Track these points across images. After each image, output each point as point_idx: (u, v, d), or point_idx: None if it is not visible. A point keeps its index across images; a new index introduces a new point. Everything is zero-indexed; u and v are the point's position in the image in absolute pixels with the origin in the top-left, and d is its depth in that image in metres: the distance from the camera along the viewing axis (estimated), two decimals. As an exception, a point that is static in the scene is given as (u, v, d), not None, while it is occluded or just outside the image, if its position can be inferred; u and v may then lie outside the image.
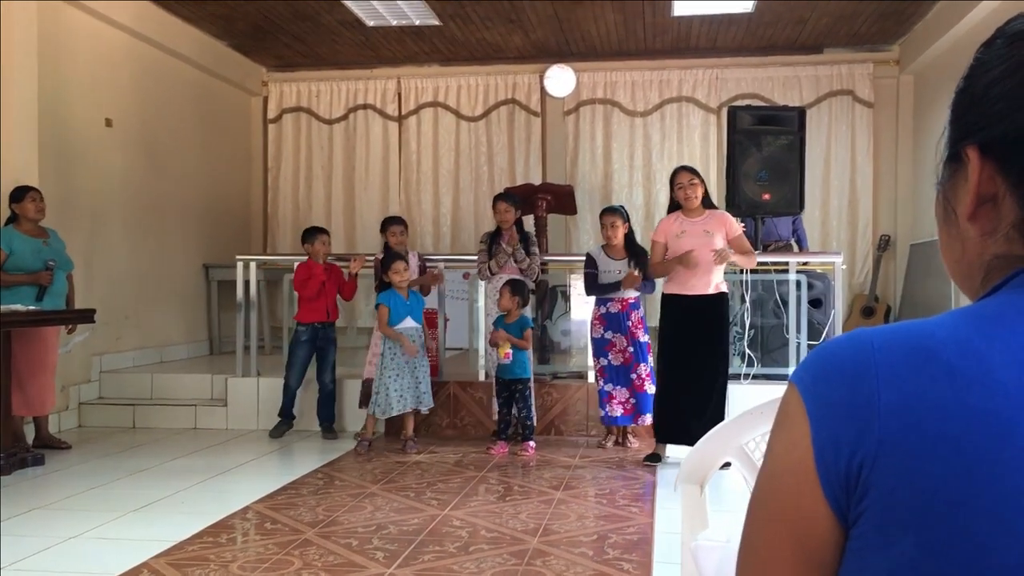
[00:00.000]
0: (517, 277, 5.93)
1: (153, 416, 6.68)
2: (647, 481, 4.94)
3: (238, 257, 6.92)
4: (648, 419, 5.74)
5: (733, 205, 6.37)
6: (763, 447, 1.64)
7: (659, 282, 5.72)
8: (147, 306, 7.73)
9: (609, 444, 5.91)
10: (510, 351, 5.57)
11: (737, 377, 6.17)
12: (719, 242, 5.18)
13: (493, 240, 6.15)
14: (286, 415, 6.31)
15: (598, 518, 4.13)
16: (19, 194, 5.58)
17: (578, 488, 4.74)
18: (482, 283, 6.30)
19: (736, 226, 5.29)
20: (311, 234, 6.45)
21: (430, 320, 6.76)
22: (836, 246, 8.64)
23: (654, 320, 5.73)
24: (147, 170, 7.74)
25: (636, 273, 5.61)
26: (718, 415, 5.23)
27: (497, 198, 6.23)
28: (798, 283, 6.19)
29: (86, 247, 6.70)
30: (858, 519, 0.64)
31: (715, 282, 5.24)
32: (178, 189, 8.24)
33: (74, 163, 6.77)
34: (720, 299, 5.29)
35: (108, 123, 7.18)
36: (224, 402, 6.69)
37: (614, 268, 5.78)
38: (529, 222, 7.45)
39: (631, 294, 5.78)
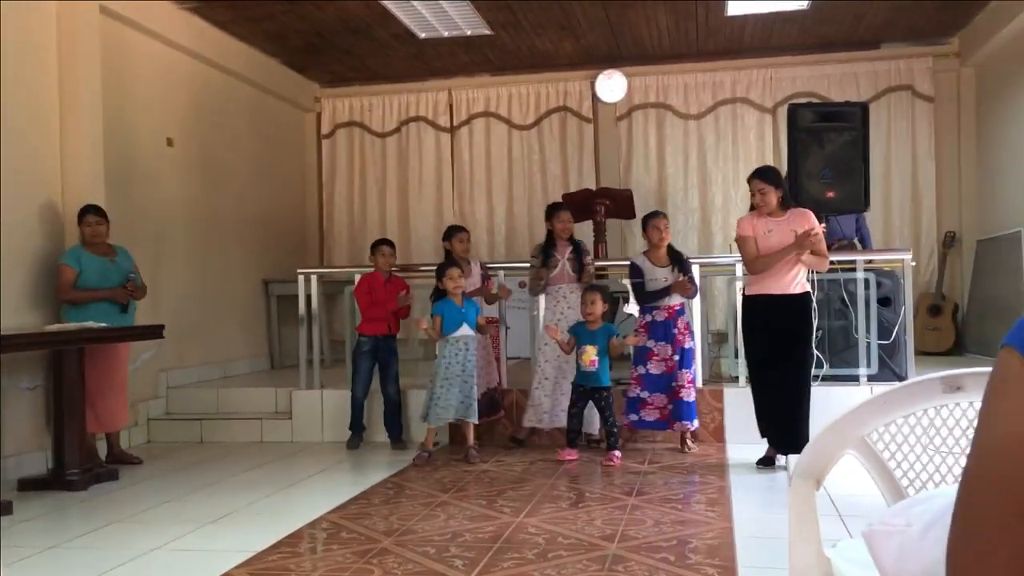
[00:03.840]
0: (598, 284, 5.88)
1: (220, 430, 6.74)
2: (720, 485, 4.86)
3: (299, 271, 6.97)
4: (687, 426, 5.69)
5: (792, 201, 6.26)
6: (886, 438, 1.58)
7: (737, 283, 5.62)
8: (209, 322, 7.82)
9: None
10: (596, 358, 5.50)
11: (805, 379, 6.05)
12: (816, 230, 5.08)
13: (547, 252, 6.07)
14: (356, 427, 6.34)
15: (675, 523, 4.06)
16: (79, 216, 5.68)
17: (651, 493, 4.67)
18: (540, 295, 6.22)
19: (818, 224, 5.16)
20: (374, 246, 6.50)
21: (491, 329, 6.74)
22: (900, 244, 8.47)
23: (715, 323, 5.69)
24: (206, 188, 7.85)
25: (683, 279, 5.59)
26: (806, 418, 5.14)
27: (558, 207, 6.17)
28: (867, 282, 6.05)
29: (150, 265, 6.79)
30: None
31: (799, 281, 5.14)
32: (236, 206, 8.35)
33: (138, 182, 6.88)
34: (805, 298, 5.18)
35: (169, 143, 7.29)
36: (289, 415, 6.73)
37: (660, 276, 5.75)
38: (588, 228, 7.42)
39: (676, 300, 5.72)
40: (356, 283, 6.50)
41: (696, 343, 5.90)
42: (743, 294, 5.32)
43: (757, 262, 5.13)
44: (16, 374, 5.49)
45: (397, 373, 6.36)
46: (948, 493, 0.77)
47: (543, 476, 5.18)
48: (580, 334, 5.64)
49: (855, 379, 6.04)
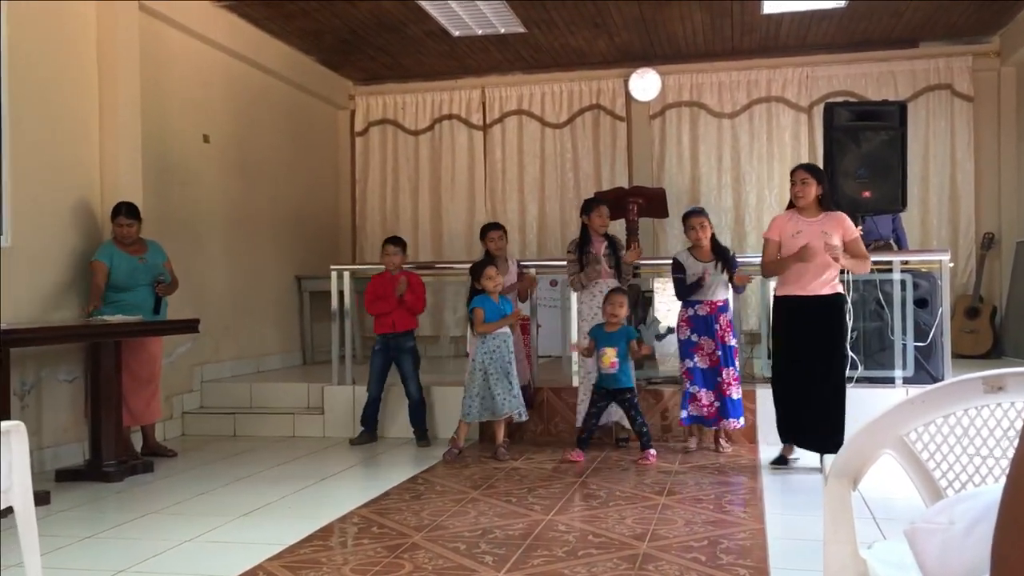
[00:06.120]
0: (623, 286, 5.87)
1: (253, 424, 6.80)
2: (752, 486, 4.82)
3: (332, 267, 7.02)
4: (733, 424, 5.66)
5: (831, 204, 6.19)
6: (925, 438, 1.55)
7: (770, 283, 5.60)
8: (243, 317, 7.90)
9: (693, 445, 5.82)
10: (616, 360, 5.48)
11: (840, 380, 5.99)
12: (837, 243, 5.03)
13: (583, 249, 6.05)
14: (365, 424, 6.36)
15: (707, 523, 4.03)
16: (112, 214, 5.74)
17: (682, 493, 4.65)
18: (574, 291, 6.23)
19: (854, 228, 5.15)
20: (382, 246, 6.54)
21: (523, 327, 6.74)
22: (937, 245, 8.36)
23: (748, 323, 5.66)
24: (241, 184, 7.92)
25: (734, 274, 5.59)
26: (840, 418, 5.07)
27: (596, 202, 6.15)
28: (903, 283, 5.98)
29: (186, 260, 6.85)
30: None
31: (831, 282, 5.09)
32: (270, 203, 8.42)
33: (174, 179, 6.96)
34: (837, 299, 5.13)
35: (206, 139, 7.37)
36: (321, 410, 6.78)
37: (700, 271, 5.71)
38: (620, 226, 7.39)
39: (720, 297, 5.69)
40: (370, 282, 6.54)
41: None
42: (774, 294, 5.30)
43: (769, 266, 5.26)
44: (55, 366, 5.58)
45: (414, 371, 6.31)
46: (993, 491, 0.76)
47: (573, 474, 5.17)
48: (599, 336, 5.62)
49: (890, 381, 5.97)
